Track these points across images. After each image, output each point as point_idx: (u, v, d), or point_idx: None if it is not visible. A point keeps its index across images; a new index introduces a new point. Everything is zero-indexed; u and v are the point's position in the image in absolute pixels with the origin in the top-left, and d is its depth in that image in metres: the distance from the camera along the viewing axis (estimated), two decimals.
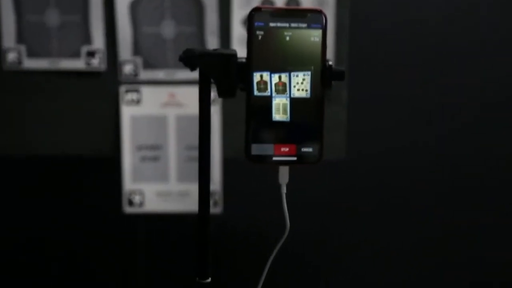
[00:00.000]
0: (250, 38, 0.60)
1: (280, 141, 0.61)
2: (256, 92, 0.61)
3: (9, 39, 1.43)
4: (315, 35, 0.60)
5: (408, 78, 1.51)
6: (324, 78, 0.61)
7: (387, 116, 1.52)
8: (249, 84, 0.61)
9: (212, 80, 0.62)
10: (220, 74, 0.61)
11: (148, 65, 1.47)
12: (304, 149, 0.61)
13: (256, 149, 0.61)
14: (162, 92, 1.48)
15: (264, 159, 0.61)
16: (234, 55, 0.61)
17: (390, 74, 1.50)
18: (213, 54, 0.62)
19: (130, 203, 1.50)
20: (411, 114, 1.52)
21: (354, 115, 1.49)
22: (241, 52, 0.63)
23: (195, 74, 0.63)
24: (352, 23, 1.45)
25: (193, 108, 1.30)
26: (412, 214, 1.55)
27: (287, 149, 0.62)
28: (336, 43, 1.45)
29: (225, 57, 0.61)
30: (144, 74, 1.47)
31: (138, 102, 1.48)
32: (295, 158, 0.62)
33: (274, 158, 0.62)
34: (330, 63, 0.61)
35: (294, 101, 0.61)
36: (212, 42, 1.44)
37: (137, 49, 1.47)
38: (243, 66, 0.61)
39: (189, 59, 0.62)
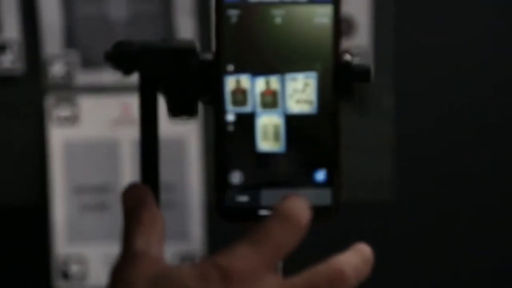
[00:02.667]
0: (219, 21, 0.61)
1: (271, 185, 0.61)
2: (230, 107, 0.61)
3: None
4: (321, 13, 0.61)
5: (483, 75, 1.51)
6: (338, 81, 0.61)
7: (454, 131, 1.54)
8: (219, 94, 0.61)
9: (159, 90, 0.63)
10: (170, 80, 0.62)
11: (88, 63, 1.49)
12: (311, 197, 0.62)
13: (233, 198, 0.61)
14: (111, 104, 1.50)
15: (245, 214, 0.61)
16: (192, 49, 0.62)
17: (454, 65, 1.52)
18: (158, 50, 0.62)
19: (65, 275, 1.52)
20: (486, 126, 1.53)
21: (406, 133, 1.50)
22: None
23: None
24: None
25: (161, 126, 1.34)
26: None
27: None
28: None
29: (178, 53, 0.62)
30: (83, 77, 1.50)
31: (74, 120, 1.50)
32: None
33: (262, 212, 0.61)
34: (348, 56, 0.61)
35: (292, 120, 0.61)
36: (185, 26, 1.47)
37: (70, 40, 1.49)
38: (208, 66, 0.62)
39: (120, 58, 0.61)
